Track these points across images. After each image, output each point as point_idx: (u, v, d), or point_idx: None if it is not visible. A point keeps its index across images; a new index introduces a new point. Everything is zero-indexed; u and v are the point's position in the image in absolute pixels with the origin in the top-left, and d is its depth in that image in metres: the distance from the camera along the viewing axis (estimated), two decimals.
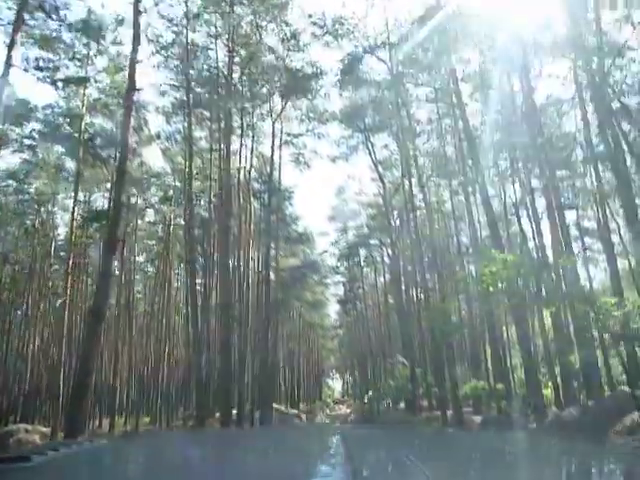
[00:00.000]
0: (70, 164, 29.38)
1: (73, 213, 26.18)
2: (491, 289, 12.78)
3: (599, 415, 12.12)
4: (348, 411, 44.60)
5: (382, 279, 45.39)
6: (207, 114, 26.35)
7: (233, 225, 23.98)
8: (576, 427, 12.44)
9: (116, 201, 11.93)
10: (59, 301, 30.96)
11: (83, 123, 24.20)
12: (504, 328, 27.58)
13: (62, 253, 34.84)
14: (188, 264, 20.76)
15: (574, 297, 11.59)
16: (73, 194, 25.91)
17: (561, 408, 15.05)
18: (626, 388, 15.59)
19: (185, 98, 22.82)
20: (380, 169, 34.56)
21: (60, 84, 22.54)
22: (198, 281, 30.12)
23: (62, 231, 37.96)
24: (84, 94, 24.86)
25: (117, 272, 40.50)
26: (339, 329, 61.14)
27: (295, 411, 34.58)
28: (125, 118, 12.60)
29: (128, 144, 12.28)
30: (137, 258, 46.81)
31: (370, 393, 29.63)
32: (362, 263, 47.38)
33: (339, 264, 46.60)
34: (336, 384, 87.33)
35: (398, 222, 39.50)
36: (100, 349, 31.86)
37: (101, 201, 35.14)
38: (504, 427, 15.13)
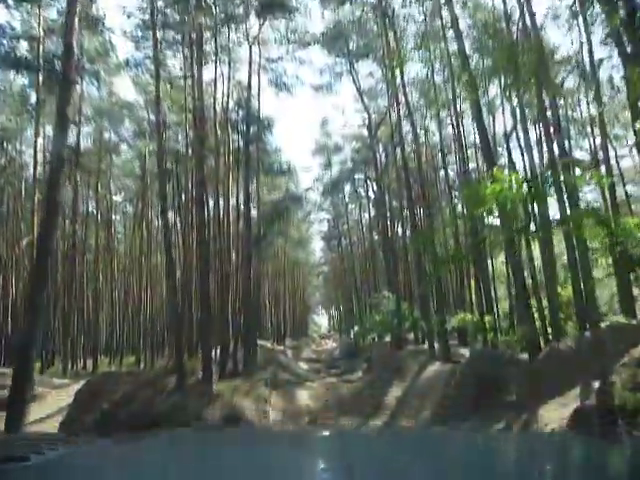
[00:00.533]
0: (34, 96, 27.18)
1: (35, 147, 24.33)
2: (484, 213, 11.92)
3: (598, 347, 11.43)
4: (334, 345, 44.70)
5: (367, 215, 44.44)
6: (178, 37, 24.15)
7: (209, 157, 22.38)
8: (574, 360, 11.77)
9: (61, 116, 10.34)
10: (25, 240, 29.56)
11: (41, 47, 22.02)
12: (489, 261, 26.96)
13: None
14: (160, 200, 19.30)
15: (591, 216, 10.55)
16: (34, 126, 23.92)
17: (554, 340, 14.39)
18: (622, 318, 15.05)
19: (150, 17, 20.58)
20: (365, 99, 32.80)
21: (11, 2, 20.23)
22: (177, 220, 28.87)
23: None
24: (39, 15, 22.54)
25: (94, 211, 39.16)
26: (324, 266, 60.76)
27: (281, 347, 34.27)
28: (68, 16, 10.68)
29: (72, 47, 10.51)
30: (115, 197, 45.33)
31: (356, 328, 29.28)
32: (346, 199, 46.29)
33: (323, 200, 45.40)
34: (322, 320, 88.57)
35: (384, 156, 38.15)
36: (63, 290, 31.23)
37: (72, 135, 33.16)
38: (496, 361, 14.52)
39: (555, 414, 10.12)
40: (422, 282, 21.74)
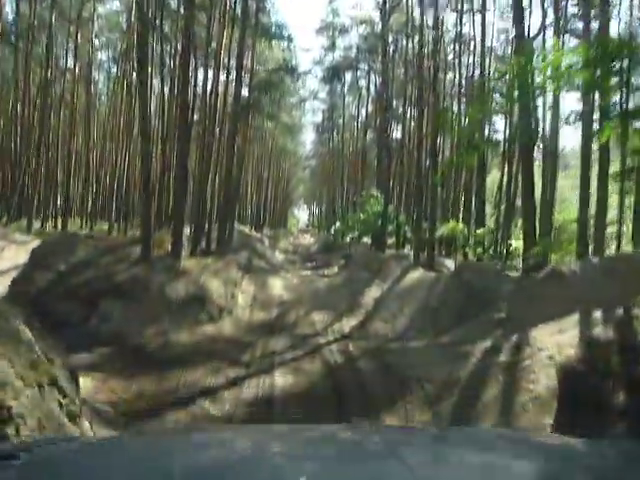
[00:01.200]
0: None
1: None
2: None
3: (608, 274, 10.30)
4: (312, 240, 43.98)
5: (364, 111, 41.68)
6: None
7: (201, 13, 19.49)
8: (577, 285, 10.66)
9: None
10: None
11: None
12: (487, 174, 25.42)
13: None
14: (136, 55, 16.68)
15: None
16: None
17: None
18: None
19: None
20: None
21: None
22: (161, 86, 26.14)
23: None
24: None
25: (70, 65, 35.61)
26: (312, 159, 58.56)
27: (258, 235, 33.16)
28: None
29: None
30: (99, 54, 41.52)
31: (337, 224, 28.09)
32: (345, 90, 43.11)
33: (321, 87, 42.30)
34: (302, 215, 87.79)
35: (392, 49, 34.89)
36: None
37: None
38: (487, 274, 13.41)
39: (550, 339, 9.05)
40: (418, 184, 20.17)
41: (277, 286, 15.86)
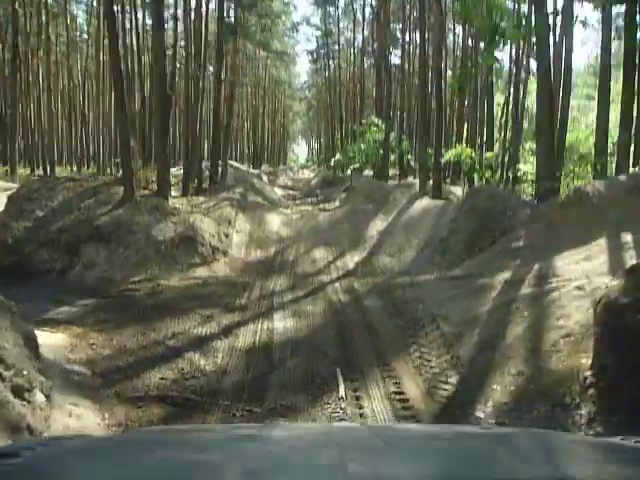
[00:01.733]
0: None
1: None
2: None
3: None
4: (312, 175, 42.52)
5: (360, 37, 39.03)
6: None
7: None
8: (604, 206, 9.55)
9: None
10: None
11: None
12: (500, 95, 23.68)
13: None
14: None
15: None
16: None
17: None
18: None
19: None
20: None
21: None
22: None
23: None
24: None
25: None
26: (308, 90, 55.92)
27: (256, 172, 31.79)
28: None
29: None
30: None
31: (337, 156, 26.64)
32: (339, 14, 40.30)
33: (314, 10, 39.38)
34: (301, 151, 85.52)
35: None
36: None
37: None
38: (501, 199, 12.27)
39: (576, 268, 8.07)
40: (423, 107, 18.59)
41: (275, 223, 14.80)
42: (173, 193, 15.18)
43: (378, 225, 13.86)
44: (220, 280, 10.28)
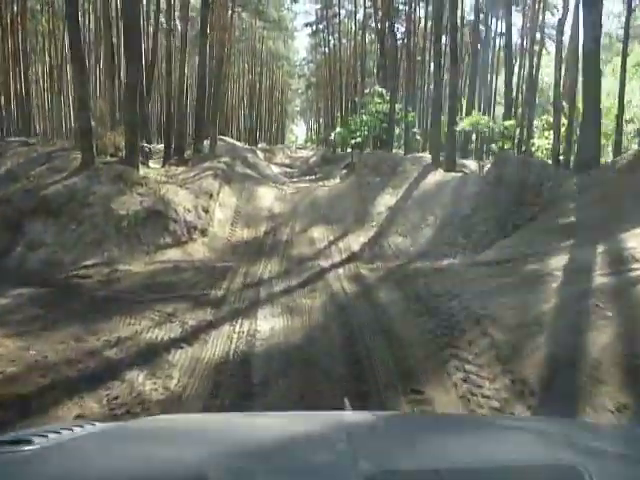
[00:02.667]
0: None
1: None
2: None
3: None
4: (311, 154, 40.07)
5: (362, 10, 36.22)
6: None
7: None
8: None
9: None
10: None
11: None
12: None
13: None
14: None
15: None
16: None
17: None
18: None
19: None
20: None
21: None
22: None
23: None
24: None
25: None
26: (307, 67, 53.12)
27: (252, 147, 29.38)
28: None
29: None
30: None
31: (337, 130, 24.21)
32: None
33: None
34: (300, 131, 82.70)
35: None
36: None
37: None
38: (534, 168, 10.08)
39: None
40: (436, 74, 16.23)
41: (268, 197, 12.54)
42: (153, 165, 12.99)
43: (386, 200, 11.64)
44: (195, 265, 8.11)
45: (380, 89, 21.12)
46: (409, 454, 1.14)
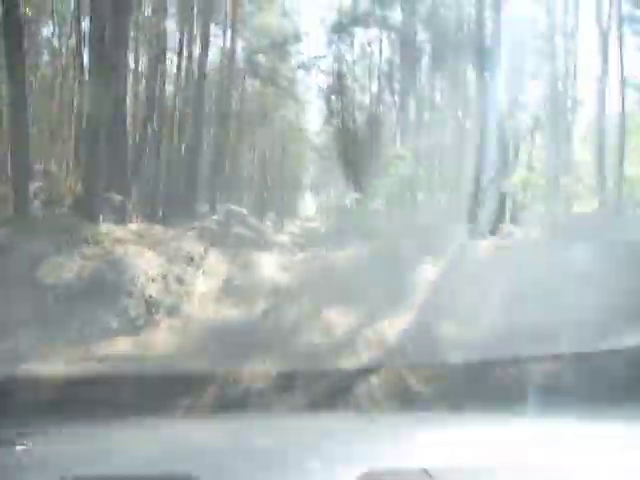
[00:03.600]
0: None
1: None
2: None
3: None
4: (323, 224, 37.83)
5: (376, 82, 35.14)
6: None
7: None
8: None
9: None
10: None
11: None
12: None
13: None
14: None
15: None
16: None
17: None
18: None
19: None
20: None
21: None
22: None
23: None
24: None
25: None
26: (320, 135, 52.16)
27: (258, 214, 27.08)
28: None
29: None
30: None
31: (355, 195, 21.77)
32: (354, 54, 36.20)
33: (328, 43, 35.57)
34: (312, 203, 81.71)
35: None
36: None
37: None
38: None
39: None
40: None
41: (269, 266, 9.60)
42: (136, 225, 10.33)
43: (425, 271, 8.69)
44: (145, 368, 5.08)
45: (402, 152, 18.83)
46: (398, 454, 1.14)
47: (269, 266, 9.80)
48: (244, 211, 24.67)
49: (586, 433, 1.49)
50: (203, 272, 7.73)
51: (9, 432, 1.28)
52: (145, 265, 6.62)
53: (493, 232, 11.16)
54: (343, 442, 1.19)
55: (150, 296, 6.17)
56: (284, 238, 22.49)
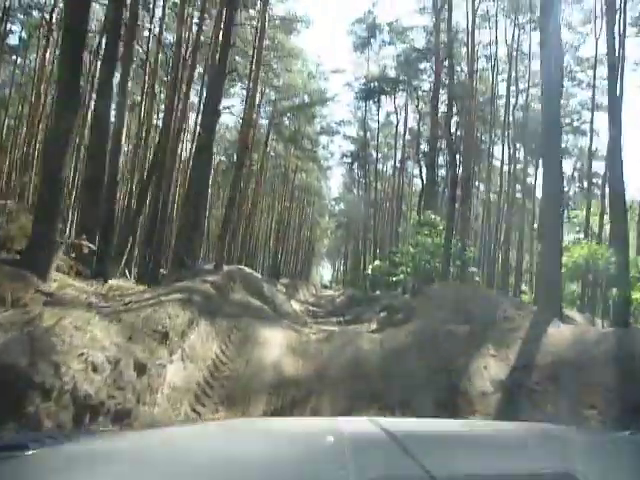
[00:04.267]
0: None
1: None
2: None
3: None
4: (336, 294, 35.47)
5: (401, 141, 34.08)
6: None
7: None
8: None
9: None
10: None
11: None
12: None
13: None
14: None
15: None
16: None
17: None
18: None
19: None
20: None
21: None
22: None
23: None
24: None
25: None
26: (339, 205, 51.04)
27: (271, 279, 24.98)
28: None
29: None
30: None
31: (375, 263, 19.56)
32: (379, 116, 35.18)
33: (352, 110, 34.89)
34: (326, 272, 79.76)
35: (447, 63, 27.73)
36: None
37: None
38: None
39: None
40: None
41: (276, 345, 7.23)
42: (123, 282, 8.23)
43: (490, 367, 6.29)
44: None
45: (432, 216, 16.84)
46: (407, 461, 1.11)
47: (273, 345, 7.45)
48: (254, 273, 22.54)
49: (588, 439, 1.50)
50: (182, 353, 5.47)
51: (15, 437, 1.28)
52: (90, 342, 4.38)
53: None
54: (350, 448, 1.12)
55: (83, 393, 3.88)
56: (296, 307, 20.22)
